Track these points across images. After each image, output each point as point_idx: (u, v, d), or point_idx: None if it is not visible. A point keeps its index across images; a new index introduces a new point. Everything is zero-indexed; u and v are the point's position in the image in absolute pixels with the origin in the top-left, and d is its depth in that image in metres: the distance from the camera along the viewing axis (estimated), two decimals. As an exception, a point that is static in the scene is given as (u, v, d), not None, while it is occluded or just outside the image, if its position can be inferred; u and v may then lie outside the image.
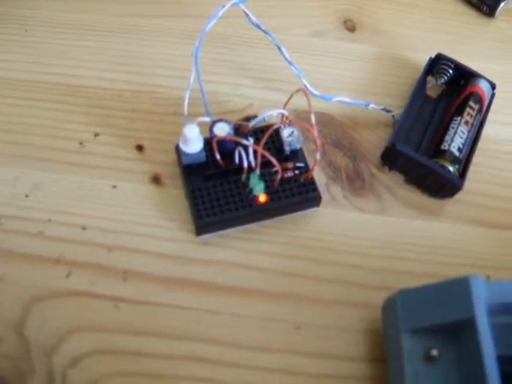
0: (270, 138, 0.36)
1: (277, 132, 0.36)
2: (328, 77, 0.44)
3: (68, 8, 0.46)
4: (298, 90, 0.35)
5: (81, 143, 0.39)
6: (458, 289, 0.30)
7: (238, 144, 0.35)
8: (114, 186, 0.38)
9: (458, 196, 0.39)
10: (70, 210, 0.37)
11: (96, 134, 0.40)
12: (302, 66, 0.40)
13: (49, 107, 0.41)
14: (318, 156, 0.34)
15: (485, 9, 0.49)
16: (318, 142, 0.34)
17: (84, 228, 0.36)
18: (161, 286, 0.35)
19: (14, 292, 0.34)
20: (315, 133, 0.33)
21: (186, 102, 0.37)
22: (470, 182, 0.39)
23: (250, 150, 0.35)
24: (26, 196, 0.37)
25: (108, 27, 0.46)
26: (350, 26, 0.47)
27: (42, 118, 0.40)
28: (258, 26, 0.38)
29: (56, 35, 0.45)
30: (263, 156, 0.34)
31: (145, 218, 0.37)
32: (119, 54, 0.44)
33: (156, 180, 0.38)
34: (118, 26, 0.46)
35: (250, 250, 0.36)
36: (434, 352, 0.29)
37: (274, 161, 0.34)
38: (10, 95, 0.41)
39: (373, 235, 0.37)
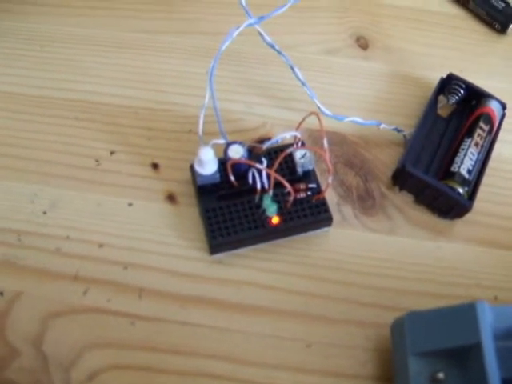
0: (283, 158, 0.37)
1: (290, 153, 0.37)
2: (340, 95, 0.45)
3: (85, 24, 0.47)
4: (310, 113, 0.35)
5: (97, 161, 0.40)
6: (465, 314, 0.30)
7: (251, 166, 0.36)
8: (130, 204, 0.39)
9: (468, 216, 0.39)
10: (87, 227, 0.38)
11: (112, 152, 0.41)
12: (315, 84, 0.41)
13: (65, 124, 0.42)
14: (330, 180, 0.35)
15: (497, 26, 0.49)
16: (330, 165, 0.34)
17: (101, 245, 0.37)
18: (175, 303, 0.36)
19: (32, 307, 0.35)
20: (327, 157, 0.34)
21: (201, 122, 0.37)
22: (479, 203, 0.39)
23: (264, 173, 0.35)
24: (44, 213, 0.38)
25: (124, 43, 0.46)
26: (363, 44, 0.48)
27: (58, 135, 0.41)
28: (272, 46, 0.38)
29: (72, 51, 0.46)
30: (276, 178, 0.35)
31: (160, 236, 0.38)
32: (135, 70, 0.45)
33: (171, 198, 0.39)
34: (133, 43, 0.46)
35: (262, 269, 0.37)
36: (441, 375, 0.30)
37: (286, 184, 0.34)
38: (26, 111, 0.42)
39: (382, 255, 0.38)
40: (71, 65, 0.45)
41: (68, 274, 0.36)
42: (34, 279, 0.36)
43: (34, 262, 0.36)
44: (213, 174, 0.36)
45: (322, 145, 0.35)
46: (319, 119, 0.35)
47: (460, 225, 0.39)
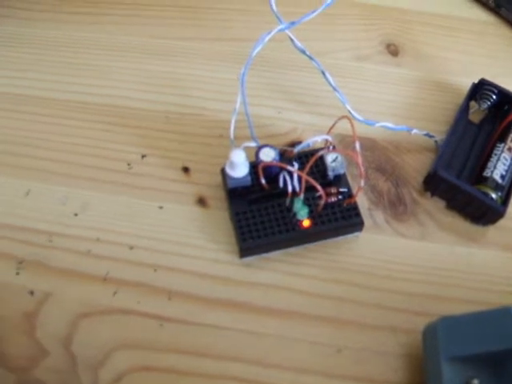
0: (314, 162, 0.37)
1: (321, 157, 0.37)
2: (371, 101, 0.44)
3: (117, 31, 0.48)
4: (342, 117, 0.35)
5: (128, 164, 0.41)
6: (500, 318, 0.30)
7: (282, 169, 0.36)
8: (161, 207, 0.39)
9: (501, 222, 0.38)
10: (118, 229, 0.38)
11: (143, 156, 0.41)
12: (346, 90, 0.41)
13: (98, 128, 0.42)
14: (362, 183, 0.35)
15: (529, 33, 0.48)
16: (362, 169, 0.34)
17: (131, 247, 0.37)
18: (204, 306, 0.35)
19: (62, 308, 0.35)
20: (360, 160, 0.34)
21: (233, 127, 0.38)
22: (512, 208, 0.39)
23: (295, 176, 0.35)
24: (75, 215, 0.38)
25: (154, 50, 0.47)
26: (393, 50, 0.48)
27: (91, 139, 0.42)
28: (303, 51, 0.38)
29: (105, 57, 0.46)
30: (307, 181, 0.35)
31: (190, 239, 0.38)
32: (166, 76, 0.45)
33: (201, 202, 0.39)
34: (163, 49, 0.47)
35: (292, 272, 0.37)
36: (475, 382, 0.30)
37: (318, 186, 0.34)
38: (59, 115, 0.43)
39: (414, 261, 0.37)
40: (103, 70, 0.46)
41: (98, 275, 0.36)
42: (64, 280, 0.36)
43: (64, 262, 0.37)
44: (244, 177, 0.36)
45: (354, 149, 0.35)
46: (351, 123, 0.35)
47: (493, 231, 0.39)
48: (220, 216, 0.38)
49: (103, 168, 0.40)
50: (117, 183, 0.40)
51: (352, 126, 0.34)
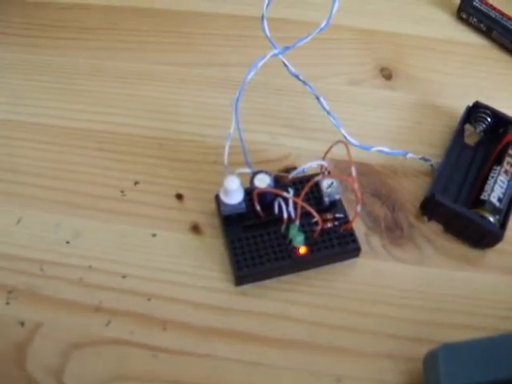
0: (309, 188, 0.36)
1: (316, 183, 0.37)
2: (365, 125, 0.44)
3: (109, 57, 0.48)
4: (337, 142, 0.35)
5: (122, 191, 0.40)
6: (504, 346, 0.29)
7: (277, 195, 0.35)
8: (154, 235, 0.38)
9: (499, 246, 0.38)
10: (111, 257, 0.37)
11: (136, 182, 0.40)
12: (340, 114, 0.40)
13: (90, 154, 0.42)
14: (359, 208, 0.34)
15: (521, 57, 0.49)
16: (359, 194, 0.34)
17: (124, 276, 0.36)
18: (200, 336, 0.35)
19: (53, 338, 0.34)
20: (356, 185, 0.33)
21: (226, 153, 0.37)
22: (510, 232, 0.38)
23: (290, 202, 0.35)
24: (67, 242, 0.38)
25: (149, 76, 0.47)
26: (387, 74, 0.48)
27: (83, 165, 0.41)
28: (296, 77, 0.38)
29: (97, 83, 0.46)
30: (303, 207, 0.34)
31: (184, 267, 0.37)
32: (160, 102, 0.45)
33: (195, 229, 0.38)
34: (157, 75, 0.47)
35: (289, 300, 0.36)
36: (479, 411, 0.29)
37: (314, 213, 0.34)
38: (51, 142, 0.43)
39: (412, 286, 0.37)
40: (97, 97, 0.45)
41: (90, 304, 0.36)
42: (56, 309, 0.35)
43: (55, 292, 0.36)
44: (238, 204, 0.35)
45: (350, 174, 0.34)
46: (347, 147, 0.34)
47: (491, 254, 0.38)
48: (214, 243, 0.38)
49: (96, 195, 0.40)
50: (109, 210, 0.39)
51: (348, 150, 0.34)
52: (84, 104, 0.45)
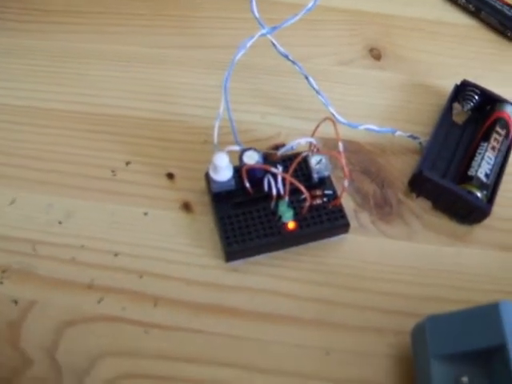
0: (298, 165, 0.37)
1: (305, 160, 0.37)
2: (355, 104, 0.45)
3: (100, 40, 0.48)
4: (325, 119, 0.35)
5: (113, 171, 0.40)
6: (488, 315, 0.29)
7: (267, 172, 0.35)
8: (146, 214, 0.39)
9: (486, 221, 0.38)
10: (103, 236, 0.38)
11: (128, 163, 0.41)
12: (329, 94, 0.41)
13: (82, 136, 0.42)
14: (346, 183, 0.34)
15: (509, 34, 0.49)
16: (346, 169, 0.34)
17: (116, 254, 0.37)
18: (191, 311, 0.35)
19: (46, 316, 0.35)
20: (343, 160, 0.34)
21: (216, 132, 0.37)
22: (498, 207, 0.38)
23: (279, 178, 0.35)
24: (60, 223, 0.38)
25: (138, 58, 0.47)
26: (376, 54, 0.48)
27: (74, 147, 0.42)
28: (285, 56, 0.39)
29: (88, 66, 0.46)
30: (292, 183, 0.34)
31: (175, 245, 0.37)
32: (150, 83, 0.45)
33: (186, 207, 0.39)
34: (147, 57, 0.47)
35: (278, 276, 0.36)
36: (465, 379, 0.29)
37: (302, 188, 0.34)
38: (44, 124, 0.43)
39: (400, 261, 0.37)
40: (87, 79, 0.46)
41: (83, 283, 0.36)
42: (49, 288, 0.36)
43: (48, 271, 0.36)
44: (228, 181, 0.36)
45: (338, 150, 0.35)
46: (334, 124, 0.35)
47: (479, 230, 0.39)
48: (205, 221, 0.38)
49: (87, 176, 0.40)
50: (101, 190, 0.40)
51: (335, 126, 0.34)
52: (76, 87, 0.45)
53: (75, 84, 0.45)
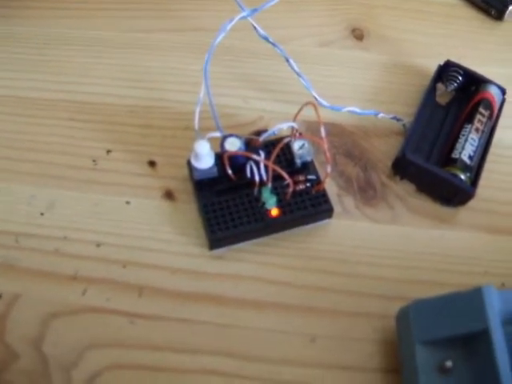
0: (280, 151, 0.36)
1: (287, 145, 0.37)
2: (337, 86, 0.44)
3: (77, 25, 0.47)
4: (307, 103, 0.35)
5: (94, 160, 0.40)
6: (471, 300, 0.30)
7: (249, 158, 0.35)
8: (128, 202, 0.38)
9: (471, 203, 0.38)
10: (85, 227, 0.37)
11: (108, 151, 0.40)
12: (311, 76, 0.40)
13: (60, 124, 0.42)
14: (329, 169, 0.34)
15: (493, 12, 0.48)
16: (329, 154, 0.34)
17: (99, 245, 0.37)
18: (176, 300, 0.35)
19: (31, 309, 0.34)
20: (325, 146, 0.33)
21: (197, 117, 0.37)
22: (482, 189, 0.38)
23: (262, 165, 0.35)
24: (42, 214, 0.38)
25: (116, 43, 0.46)
26: (358, 35, 0.47)
27: (54, 136, 0.41)
28: (266, 39, 0.38)
29: (65, 52, 0.46)
30: (274, 170, 0.34)
31: (159, 234, 0.37)
32: (129, 69, 0.45)
33: (169, 195, 0.39)
34: (127, 42, 0.46)
35: (263, 262, 0.36)
36: (449, 364, 0.29)
37: (285, 175, 0.34)
38: (21, 113, 0.42)
39: (385, 245, 0.37)
40: (65, 66, 0.45)
41: (67, 274, 0.36)
42: (33, 281, 0.35)
43: (32, 263, 0.36)
44: (210, 168, 0.35)
45: (320, 134, 0.34)
46: (316, 108, 0.34)
47: (463, 212, 0.39)
48: (188, 209, 0.38)
49: (68, 165, 0.40)
50: (82, 180, 0.39)
51: (317, 111, 0.34)
52: (54, 74, 0.44)
53: (54, 72, 0.45)
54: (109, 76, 0.44)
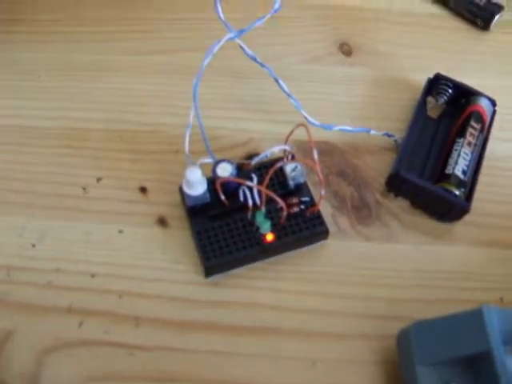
0: (273, 173, 0.36)
1: (280, 168, 0.36)
2: (327, 103, 0.44)
3: (62, 50, 0.46)
4: (298, 125, 0.35)
5: (84, 188, 0.39)
6: (472, 320, 0.29)
7: (241, 184, 0.35)
8: (121, 231, 0.38)
9: (466, 218, 0.38)
10: (78, 257, 0.37)
11: (99, 179, 0.40)
12: (301, 94, 0.40)
13: (49, 152, 0.41)
14: (323, 192, 0.34)
15: (479, 22, 0.48)
16: (322, 177, 0.33)
17: (93, 275, 0.36)
18: (173, 330, 0.34)
19: (26, 345, 0.34)
20: (318, 168, 0.33)
21: (187, 142, 0.36)
22: (476, 202, 0.38)
23: (255, 189, 0.35)
24: (33, 246, 0.37)
25: (103, 67, 0.46)
26: (346, 50, 0.47)
27: (42, 165, 0.40)
28: (254, 59, 0.38)
29: (51, 78, 0.45)
30: (268, 194, 0.34)
31: (153, 262, 0.37)
32: (117, 93, 0.44)
33: (162, 222, 0.38)
34: (113, 66, 0.46)
35: (260, 288, 0.36)
36: (453, 386, 0.29)
37: (278, 199, 0.33)
38: (8, 142, 0.42)
39: (382, 264, 0.37)
40: (50, 92, 0.44)
41: (61, 307, 0.35)
42: (26, 315, 0.35)
43: (24, 297, 0.35)
44: (202, 195, 0.35)
45: (312, 156, 0.34)
46: (307, 130, 0.34)
47: (459, 227, 0.39)
48: (182, 235, 0.37)
49: (58, 194, 0.39)
50: (73, 209, 0.39)
51: (309, 133, 0.34)
52: (38, 100, 0.44)
53: (39, 97, 0.44)
54: (95, 101, 0.44)
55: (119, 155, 0.41)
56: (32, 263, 0.37)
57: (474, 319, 0.29)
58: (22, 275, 0.36)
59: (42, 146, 0.41)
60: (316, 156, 0.33)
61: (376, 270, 0.37)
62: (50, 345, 0.34)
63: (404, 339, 0.32)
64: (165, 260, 0.37)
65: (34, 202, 0.39)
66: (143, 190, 0.39)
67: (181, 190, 0.36)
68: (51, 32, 0.48)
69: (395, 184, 0.38)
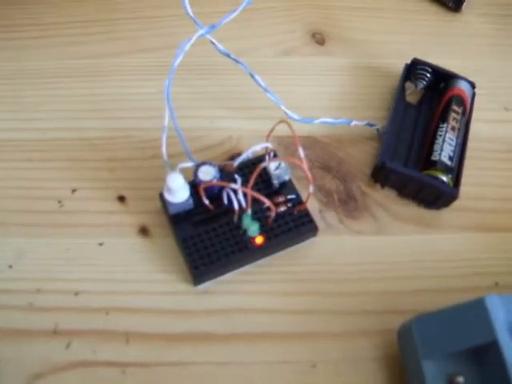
0: (257, 174, 0.34)
1: (264, 167, 0.35)
2: (306, 96, 0.43)
3: (24, 56, 0.44)
4: (279, 122, 0.33)
5: (59, 201, 0.37)
6: (475, 311, 0.29)
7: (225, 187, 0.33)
8: (101, 244, 0.36)
9: (455, 204, 0.38)
10: (59, 275, 0.35)
11: (73, 190, 0.38)
12: (277, 88, 0.39)
13: (18, 166, 0.39)
14: (311, 189, 0.33)
15: (451, 4, 0.48)
16: (310, 174, 0.32)
17: (76, 293, 0.34)
18: (165, 343, 0.33)
19: (11, 372, 0.32)
20: (305, 166, 0.32)
21: (164, 145, 0.35)
22: (464, 187, 0.38)
23: (239, 191, 0.33)
24: (10, 267, 0.35)
25: (69, 72, 0.43)
26: (319, 39, 0.46)
27: (12, 180, 0.38)
28: (227, 55, 0.36)
29: (15, 87, 0.42)
30: (253, 196, 0.32)
31: (138, 274, 0.35)
32: (85, 99, 0.42)
33: (143, 231, 0.36)
34: (79, 70, 0.43)
35: (251, 292, 0.35)
36: (460, 379, 0.29)
37: (264, 200, 0.32)
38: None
39: (373, 257, 0.36)
40: (15, 102, 0.42)
41: (46, 329, 0.33)
42: (9, 341, 0.33)
43: (6, 322, 0.33)
44: (185, 201, 0.34)
45: (297, 153, 0.33)
46: (290, 127, 0.33)
47: (448, 213, 0.38)
48: (166, 243, 0.36)
49: (32, 210, 0.37)
50: (50, 225, 0.37)
51: (292, 131, 0.32)
52: (3, 112, 0.41)
53: (3, 108, 0.41)
54: (63, 109, 0.41)
55: (93, 164, 0.39)
56: (10, 285, 0.35)
57: (477, 309, 0.28)
58: (1, 299, 0.34)
59: (8, 160, 0.39)
60: (302, 153, 0.32)
61: (367, 263, 0.36)
62: (38, 370, 0.32)
63: (405, 334, 0.31)
64: (150, 271, 0.35)
65: (7, 220, 0.37)
66: (121, 198, 0.38)
67: (161, 196, 0.35)
68: (3, 39, 0.45)
69: (381, 175, 0.37)
